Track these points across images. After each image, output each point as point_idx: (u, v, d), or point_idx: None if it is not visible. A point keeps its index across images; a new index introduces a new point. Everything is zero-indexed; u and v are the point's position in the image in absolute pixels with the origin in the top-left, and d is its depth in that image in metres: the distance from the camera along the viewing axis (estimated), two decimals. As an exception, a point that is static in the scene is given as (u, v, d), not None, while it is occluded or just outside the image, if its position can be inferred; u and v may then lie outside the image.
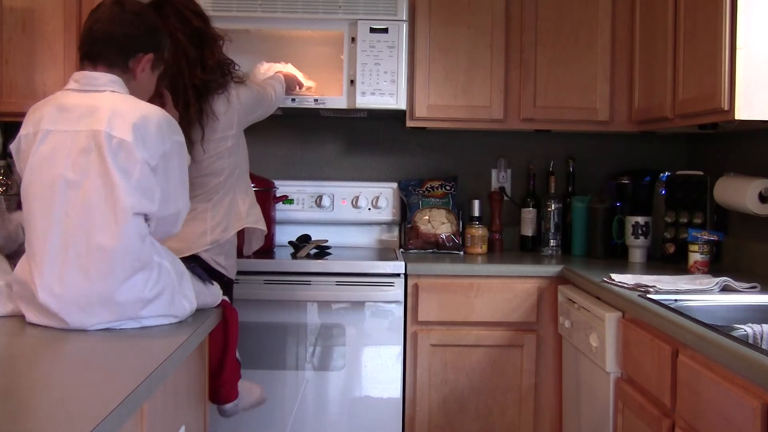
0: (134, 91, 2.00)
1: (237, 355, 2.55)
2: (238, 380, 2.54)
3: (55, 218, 1.84)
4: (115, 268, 1.83)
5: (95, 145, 1.84)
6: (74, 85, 1.97)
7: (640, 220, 3.23)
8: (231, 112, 2.51)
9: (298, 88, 3.13)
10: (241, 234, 2.67)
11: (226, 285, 2.53)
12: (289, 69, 3.09)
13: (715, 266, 2.93)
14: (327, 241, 3.39)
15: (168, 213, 1.95)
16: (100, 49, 1.95)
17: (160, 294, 1.91)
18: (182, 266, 2.07)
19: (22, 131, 1.94)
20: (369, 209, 3.58)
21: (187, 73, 2.40)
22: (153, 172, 1.88)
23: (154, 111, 1.93)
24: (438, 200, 3.53)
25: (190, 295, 2.02)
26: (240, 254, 2.68)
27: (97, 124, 1.86)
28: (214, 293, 2.26)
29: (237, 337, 2.41)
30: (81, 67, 1.99)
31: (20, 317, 1.93)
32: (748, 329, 2.05)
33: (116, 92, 1.94)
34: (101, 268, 1.83)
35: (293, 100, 3.15)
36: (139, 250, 1.87)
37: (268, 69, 3.00)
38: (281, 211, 3.52)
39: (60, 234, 1.84)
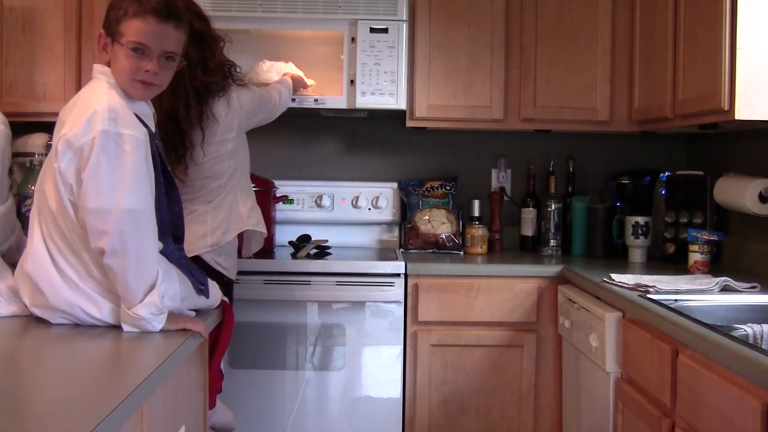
0: (112, 70, 1.95)
1: (222, 367, 2.52)
2: (218, 392, 2.50)
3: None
4: None
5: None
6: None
7: (640, 220, 3.23)
8: (231, 115, 2.51)
9: (302, 88, 3.12)
10: (241, 235, 2.67)
11: (226, 285, 2.53)
12: (290, 68, 3.09)
13: (715, 266, 2.93)
14: (327, 241, 3.39)
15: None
16: None
17: None
18: None
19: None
20: (369, 209, 3.58)
21: (188, 75, 2.39)
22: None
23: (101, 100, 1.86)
24: (438, 200, 3.53)
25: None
26: (239, 256, 2.67)
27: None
28: (214, 295, 2.19)
29: (228, 343, 2.36)
30: None
31: (22, 318, 1.93)
32: (748, 329, 2.05)
33: (99, 80, 1.92)
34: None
35: (293, 99, 3.14)
36: None
37: (270, 68, 3.00)
38: (281, 211, 3.52)
39: None
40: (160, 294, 1.83)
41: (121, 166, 1.78)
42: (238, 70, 2.59)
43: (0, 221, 2.02)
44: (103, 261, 1.79)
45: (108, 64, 1.94)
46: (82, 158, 1.78)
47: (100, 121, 1.78)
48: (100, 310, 1.86)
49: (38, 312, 1.89)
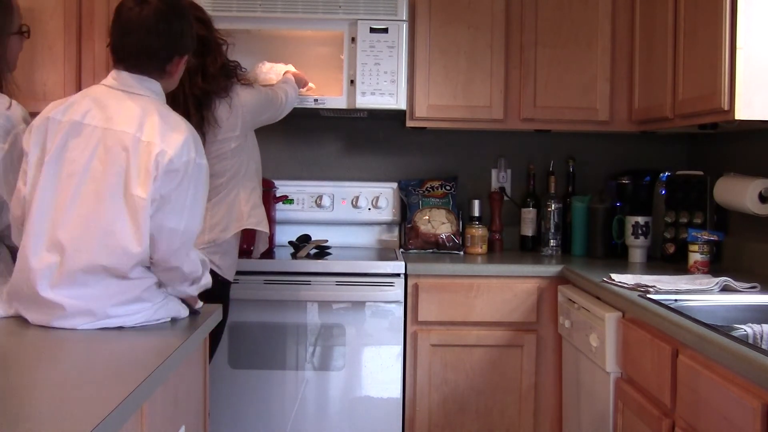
0: (168, 85, 2.09)
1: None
2: None
3: (67, 207, 1.87)
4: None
5: (121, 146, 1.88)
6: (113, 83, 2.00)
7: (640, 220, 3.23)
8: (234, 115, 2.51)
9: (304, 88, 3.12)
10: (250, 236, 2.68)
11: (221, 285, 2.52)
12: (290, 69, 3.09)
13: (715, 266, 2.93)
14: (327, 241, 3.39)
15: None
16: (136, 62, 2.00)
17: None
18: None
19: (51, 113, 1.95)
20: (369, 209, 3.58)
21: (188, 83, 2.39)
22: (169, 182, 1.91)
23: (185, 126, 1.99)
24: (438, 200, 3.53)
25: None
26: (248, 256, 2.68)
27: (128, 125, 1.90)
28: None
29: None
30: (116, 66, 2.02)
31: (23, 318, 1.94)
32: (748, 329, 2.05)
33: (150, 97, 1.99)
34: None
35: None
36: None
37: (269, 69, 3.00)
38: (281, 211, 3.52)
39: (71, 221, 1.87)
40: (208, 278, 2.08)
41: (201, 195, 1.98)
42: (243, 69, 2.59)
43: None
44: (157, 273, 1.94)
45: (162, 81, 2.07)
46: (170, 179, 1.88)
47: (194, 149, 1.95)
48: None
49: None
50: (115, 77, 2.00)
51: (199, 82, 2.44)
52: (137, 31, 1.98)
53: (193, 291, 2.04)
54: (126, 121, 1.91)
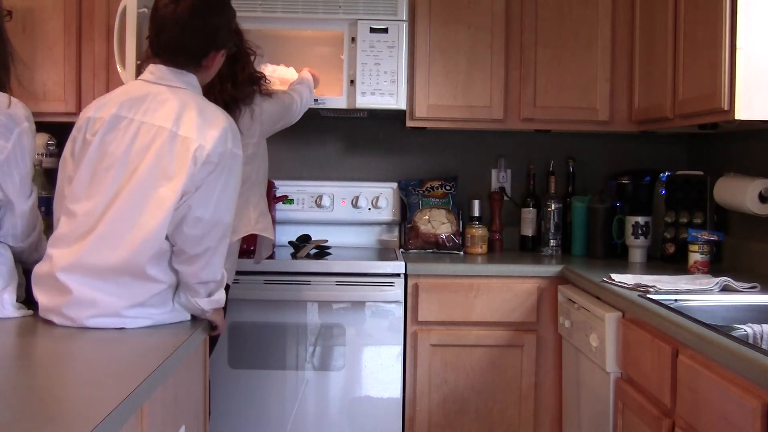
0: (204, 78, 2.12)
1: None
2: None
3: (100, 200, 1.90)
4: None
5: (157, 140, 1.92)
6: (150, 77, 2.03)
7: (640, 220, 3.23)
8: (255, 125, 2.60)
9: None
10: (252, 241, 2.69)
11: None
12: (291, 73, 3.08)
13: (715, 266, 2.93)
14: (327, 241, 3.39)
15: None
16: (172, 57, 2.03)
17: None
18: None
19: (90, 113, 2.00)
20: (369, 209, 3.58)
21: (218, 88, 2.45)
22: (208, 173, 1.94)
23: (223, 117, 2.01)
24: (438, 200, 3.53)
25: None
26: (248, 256, 2.69)
27: (165, 120, 1.93)
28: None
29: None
30: (153, 60, 2.06)
31: (22, 319, 1.94)
32: (748, 329, 2.05)
33: (188, 90, 2.02)
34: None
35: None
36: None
37: (272, 72, 3.00)
38: (281, 211, 3.52)
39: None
40: (222, 294, 2.05)
41: (232, 185, 1.98)
42: (266, 81, 2.64)
43: (24, 216, 2.04)
44: (177, 263, 1.93)
45: (199, 75, 2.10)
46: (205, 170, 1.90)
47: (231, 140, 1.96)
48: None
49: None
50: (152, 71, 2.04)
51: (229, 88, 2.51)
52: (172, 27, 2.01)
53: (206, 305, 2.01)
54: (163, 115, 1.94)
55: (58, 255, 1.90)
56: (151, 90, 2.00)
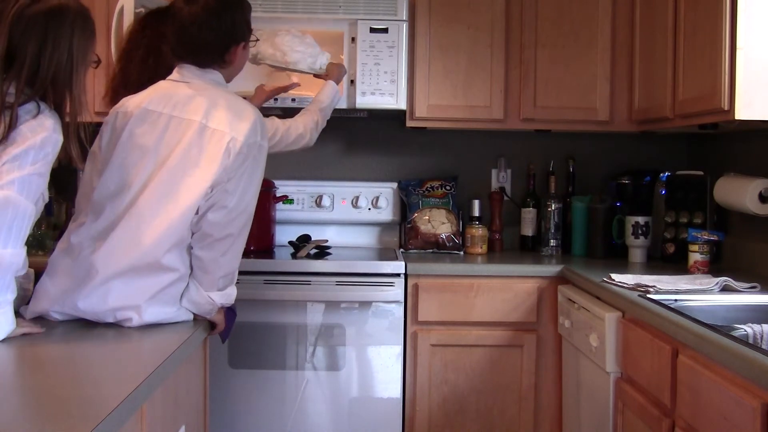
0: (231, 73, 2.20)
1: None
2: None
3: (133, 190, 1.95)
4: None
5: (188, 133, 1.97)
6: (177, 77, 2.12)
7: (640, 220, 3.23)
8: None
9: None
10: (249, 240, 2.67)
11: None
12: (321, 60, 3.02)
13: (715, 266, 2.93)
14: (327, 241, 3.39)
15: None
16: (195, 57, 2.11)
17: None
18: None
19: (120, 108, 2.06)
20: (369, 209, 3.58)
21: None
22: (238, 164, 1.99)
23: (251, 110, 2.08)
24: (438, 200, 3.53)
25: None
26: (247, 256, 2.68)
27: (195, 113, 1.99)
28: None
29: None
30: (178, 63, 2.14)
31: (22, 319, 1.94)
32: (748, 329, 2.05)
33: (215, 87, 2.10)
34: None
35: (293, 100, 3.16)
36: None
37: (289, 46, 2.94)
38: (281, 211, 3.52)
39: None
40: (234, 290, 2.09)
41: (257, 176, 2.06)
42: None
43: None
44: (199, 248, 1.96)
45: (224, 69, 2.17)
46: (237, 162, 1.97)
47: (259, 132, 2.04)
48: None
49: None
50: (178, 71, 2.12)
51: None
52: (189, 28, 2.09)
53: (219, 298, 2.02)
54: (193, 109, 2.00)
55: (82, 245, 1.93)
56: (179, 87, 2.07)
